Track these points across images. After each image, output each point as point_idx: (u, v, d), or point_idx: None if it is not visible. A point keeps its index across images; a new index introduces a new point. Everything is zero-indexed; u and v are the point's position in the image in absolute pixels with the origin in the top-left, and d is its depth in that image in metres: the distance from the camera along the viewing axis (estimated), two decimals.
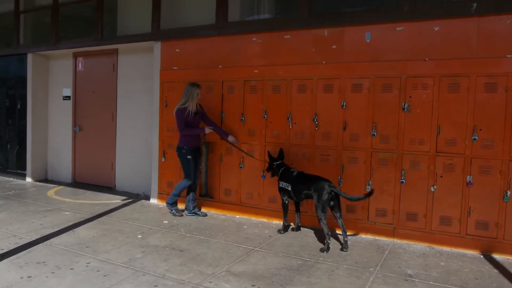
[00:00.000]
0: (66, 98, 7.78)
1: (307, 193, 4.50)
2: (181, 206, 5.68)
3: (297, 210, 4.94)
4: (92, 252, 4.04)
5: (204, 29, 5.81)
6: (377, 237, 4.73)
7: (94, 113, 7.43)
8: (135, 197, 6.63)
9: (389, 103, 4.68)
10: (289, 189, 4.68)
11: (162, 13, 6.22)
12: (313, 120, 5.07)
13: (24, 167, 7.92)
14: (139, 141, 6.88)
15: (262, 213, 5.43)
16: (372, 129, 4.75)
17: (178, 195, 5.49)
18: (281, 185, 4.80)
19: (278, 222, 5.26)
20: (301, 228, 5.00)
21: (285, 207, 4.87)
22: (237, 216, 5.55)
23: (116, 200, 6.40)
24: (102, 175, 7.34)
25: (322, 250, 4.25)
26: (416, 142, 4.56)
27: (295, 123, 5.20)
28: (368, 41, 4.80)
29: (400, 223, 4.64)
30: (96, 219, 5.26)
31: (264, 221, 5.33)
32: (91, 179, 7.51)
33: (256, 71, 5.43)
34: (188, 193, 5.54)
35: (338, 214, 4.40)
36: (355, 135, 4.87)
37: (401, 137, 4.63)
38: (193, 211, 5.56)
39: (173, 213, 5.50)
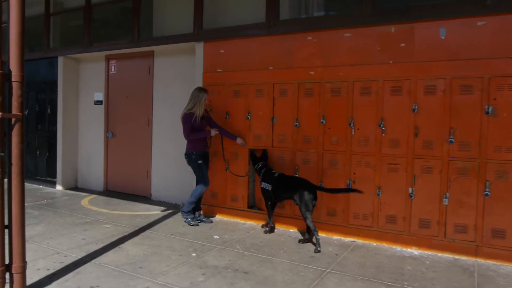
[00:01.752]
0: (98, 102, 7.42)
1: (288, 195, 4.68)
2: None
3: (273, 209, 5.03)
4: (148, 274, 3.62)
5: (252, 28, 5.40)
6: (457, 256, 4.24)
7: (128, 119, 7.06)
8: (174, 207, 6.23)
9: (469, 106, 4.21)
10: (270, 189, 4.81)
11: (204, 12, 5.82)
12: (379, 125, 4.61)
13: (54, 175, 7.57)
14: (177, 148, 6.45)
15: (320, 228, 4.94)
16: (449, 135, 4.28)
17: (195, 203, 5.30)
18: (262, 186, 4.91)
19: (338, 237, 4.82)
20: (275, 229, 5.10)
21: (268, 208, 4.97)
22: (291, 230, 5.11)
23: (155, 211, 6.00)
24: (137, 183, 6.95)
25: (316, 251, 4.33)
26: (502, 149, 4.07)
27: (358, 129, 4.74)
28: (443, 38, 4.33)
29: (484, 241, 4.15)
30: (140, 233, 4.85)
31: (323, 236, 4.87)
32: (125, 187, 7.13)
33: (312, 72, 4.99)
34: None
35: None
36: (428, 142, 4.40)
37: (484, 144, 4.15)
38: (198, 218, 5.40)
39: (188, 221, 5.27)
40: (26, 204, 6.17)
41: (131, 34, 6.52)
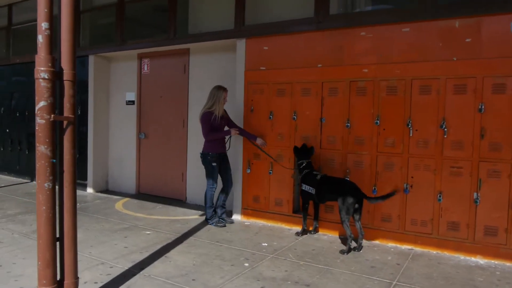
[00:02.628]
0: (130, 103, 7.22)
1: (332, 196, 4.51)
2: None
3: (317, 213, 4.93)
4: (203, 287, 3.37)
5: (299, 23, 5.12)
6: None
7: (161, 119, 6.84)
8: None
9: None
10: (313, 192, 4.64)
11: (246, 7, 5.56)
12: (441, 126, 4.29)
13: (84, 177, 7.39)
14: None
15: (372, 234, 4.69)
16: None
17: (212, 206, 5.24)
18: (304, 188, 4.72)
19: (394, 245, 4.53)
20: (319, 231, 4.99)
21: (304, 210, 4.85)
22: (342, 237, 4.81)
23: (193, 215, 5.76)
24: (171, 186, 6.73)
25: (342, 251, 4.27)
26: None
27: (416, 130, 4.44)
28: None
29: None
30: (184, 240, 4.61)
31: (377, 243, 4.59)
32: (158, 190, 6.92)
33: (366, 70, 4.69)
34: (217, 199, 5.32)
35: (358, 217, 4.42)
36: (496, 144, 4.07)
37: None
38: (221, 217, 5.31)
39: (214, 225, 5.20)
40: None
41: (167, 31, 6.29)
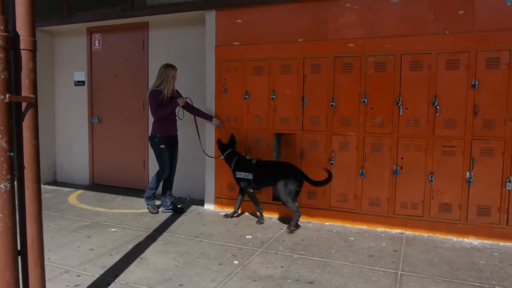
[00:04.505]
0: (79, 83, 6.41)
1: (271, 182, 4.38)
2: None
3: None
4: None
5: None
6: None
7: (118, 102, 6.13)
8: (181, 202, 5.46)
9: None
10: (251, 178, 4.44)
11: None
12: (432, 104, 4.08)
13: None
14: (180, 135, 5.66)
15: (360, 219, 4.43)
16: None
17: (155, 189, 4.91)
18: (238, 176, 4.51)
19: (383, 229, 4.31)
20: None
21: (241, 196, 4.69)
22: (327, 224, 4.53)
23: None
24: (131, 175, 6.10)
25: (290, 230, 4.21)
26: None
27: (406, 108, 4.20)
28: (510, 4, 3.82)
29: None
30: (158, 237, 4.09)
31: (366, 229, 4.35)
32: (116, 180, 6.25)
33: (352, 45, 4.36)
34: (163, 189, 4.97)
35: (296, 198, 4.32)
36: (490, 121, 3.93)
37: None
38: (170, 207, 4.98)
39: (149, 209, 4.92)
40: None
41: (122, 1, 5.54)
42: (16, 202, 2.09)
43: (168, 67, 4.77)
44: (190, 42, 5.48)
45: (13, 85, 2.08)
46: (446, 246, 3.89)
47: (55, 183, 6.66)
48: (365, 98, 4.32)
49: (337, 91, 4.45)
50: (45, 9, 6.45)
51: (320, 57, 4.50)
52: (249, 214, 4.89)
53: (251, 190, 4.56)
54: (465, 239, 4.04)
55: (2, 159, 1.96)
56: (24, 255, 2.16)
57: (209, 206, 5.15)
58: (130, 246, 3.81)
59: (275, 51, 4.69)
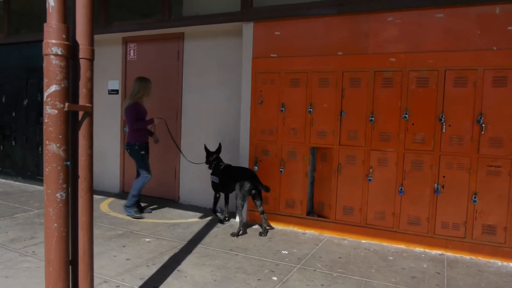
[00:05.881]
0: (113, 92, 6.49)
1: (233, 184, 4.61)
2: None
3: (226, 202, 5.10)
4: None
5: (317, 6, 4.63)
6: None
7: (151, 111, 6.14)
8: (211, 213, 5.41)
9: None
10: (217, 181, 4.78)
11: None
12: (478, 121, 3.95)
13: None
14: (211, 145, 5.65)
15: (398, 238, 4.30)
16: None
17: (138, 196, 5.14)
18: (211, 179, 4.88)
19: (422, 250, 4.17)
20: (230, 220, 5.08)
21: (215, 200, 4.97)
22: (363, 241, 4.41)
23: (193, 218, 5.19)
24: (162, 185, 6.10)
25: (233, 234, 4.46)
26: None
27: (450, 125, 4.08)
28: None
29: None
30: (192, 249, 4.05)
31: (404, 248, 4.22)
32: (146, 189, 6.20)
33: (393, 59, 4.28)
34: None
35: (259, 203, 4.57)
36: None
37: None
38: (145, 209, 5.40)
39: (132, 214, 5.09)
40: (36, 211, 5.29)
41: (160, 12, 5.61)
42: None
43: (148, 81, 5.09)
44: (226, 53, 5.49)
45: (71, 94, 2.08)
46: (491, 270, 3.73)
47: None
48: (406, 113, 4.22)
49: (376, 106, 4.37)
50: None
51: (360, 71, 4.43)
52: (282, 228, 4.82)
53: (217, 195, 4.94)
54: (510, 264, 3.87)
55: (59, 168, 1.96)
56: (75, 265, 2.14)
57: (240, 218, 5.08)
58: (166, 258, 3.78)
59: (313, 64, 4.65)
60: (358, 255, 4.01)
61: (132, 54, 6.31)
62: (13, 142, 7.18)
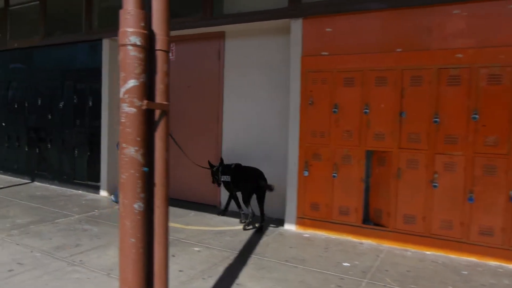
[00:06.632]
0: None
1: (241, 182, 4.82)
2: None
3: (261, 206, 4.88)
4: None
5: (373, 0, 4.32)
6: None
7: (190, 113, 5.97)
8: (256, 219, 5.15)
9: None
10: (229, 180, 4.92)
11: None
12: None
13: (97, 178, 6.46)
14: (254, 149, 5.41)
15: (468, 250, 3.95)
16: None
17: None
18: (222, 179, 5.00)
19: (498, 263, 3.81)
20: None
21: (233, 197, 5.09)
22: (427, 253, 4.07)
23: (239, 225, 4.94)
24: (202, 190, 5.88)
25: (244, 228, 4.69)
26: None
27: None
28: None
29: None
30: (246, 260, 3.79)
31: (476, 261, 3.86)
32: (185, 194, 6.05)
33: (460, 55, 3.94)
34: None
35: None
36: None
37: None
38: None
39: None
40: (76, 216, 5.12)
41: (201, 10, 5.40)
42: None
43: None
44: (271, 52, 5.24)
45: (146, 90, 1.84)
46: None
47: None
48: (475, 114, 3.88)
49: (441, 105, 4.04)
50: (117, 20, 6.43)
51: (422, 68, 4.11)
52: (336, 237, 4.52)
53: (233, 193, 5.04)
54: None
55: (137, 175, 1.72)
56: (150, 283, 1.90)
57: (290, 227, 4.81)
58: (220, 269, 3.52)
59: (369, 62, 4.35)
60: (426, 269, 3.67)
61: (170, 54, 6.10)
62: (49, 145, 7.08)
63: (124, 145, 1.69)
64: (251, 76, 5.42)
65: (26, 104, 7.35)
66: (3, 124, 7.73)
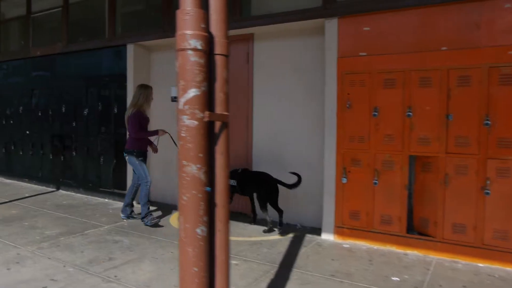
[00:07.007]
0: (176, 99, 6.13)
1: (251, 189, 4.90)
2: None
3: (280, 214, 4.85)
4: None
5: None
6: None
7: None
8: (291, 229, 4.95)
9: None
10: (235, 184, 4.88)
11: None
12: None
13: (123, 186, 6.32)
14: (288, 154, 5.20)
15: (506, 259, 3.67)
16: None
17: (149, 202, 5.10)
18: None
19: None
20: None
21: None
22: (481, 265, 3.81)
23: (274, 235, 4.74)
24: (234, 198, 5.66)
25: (264, 231, 4.74)
26: None
27: None
28: None
29: None
30: (288, 274, 3.58)
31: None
32: None
33: None
34: (129, 197, 5.30)
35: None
36: None
37: None
38: (130, 215, 5.31)
39: (147, 223, 4.98)
40: (106, 226, 4.98)
41: (231, 11, 5.20)
42: None
43: (148, 88, 5.16)
44: (301, 53, 5.03)
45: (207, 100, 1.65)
46: None
47: (149, 201, 6.38)
48: None
49: (493, 107, 3.77)
50: (142, 24, 6.32)
51: (470, 68, 3.86)
52: (377, 248, 4.28)
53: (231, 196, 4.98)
54: None
55: (199, 195, 1.54)
56: None
57: (327, 236, 4.59)
58: (263, 285, 3.32)
59: (411, 62, 4.11)
60: (483, 283, 3.42)
61: None
62: (74, 153, 6.99)
63: (184, 162, 1.51)
64: (282, 79, 5.22)
65: (50, 112, 7.28)
66: (27, 132, 7.68)
